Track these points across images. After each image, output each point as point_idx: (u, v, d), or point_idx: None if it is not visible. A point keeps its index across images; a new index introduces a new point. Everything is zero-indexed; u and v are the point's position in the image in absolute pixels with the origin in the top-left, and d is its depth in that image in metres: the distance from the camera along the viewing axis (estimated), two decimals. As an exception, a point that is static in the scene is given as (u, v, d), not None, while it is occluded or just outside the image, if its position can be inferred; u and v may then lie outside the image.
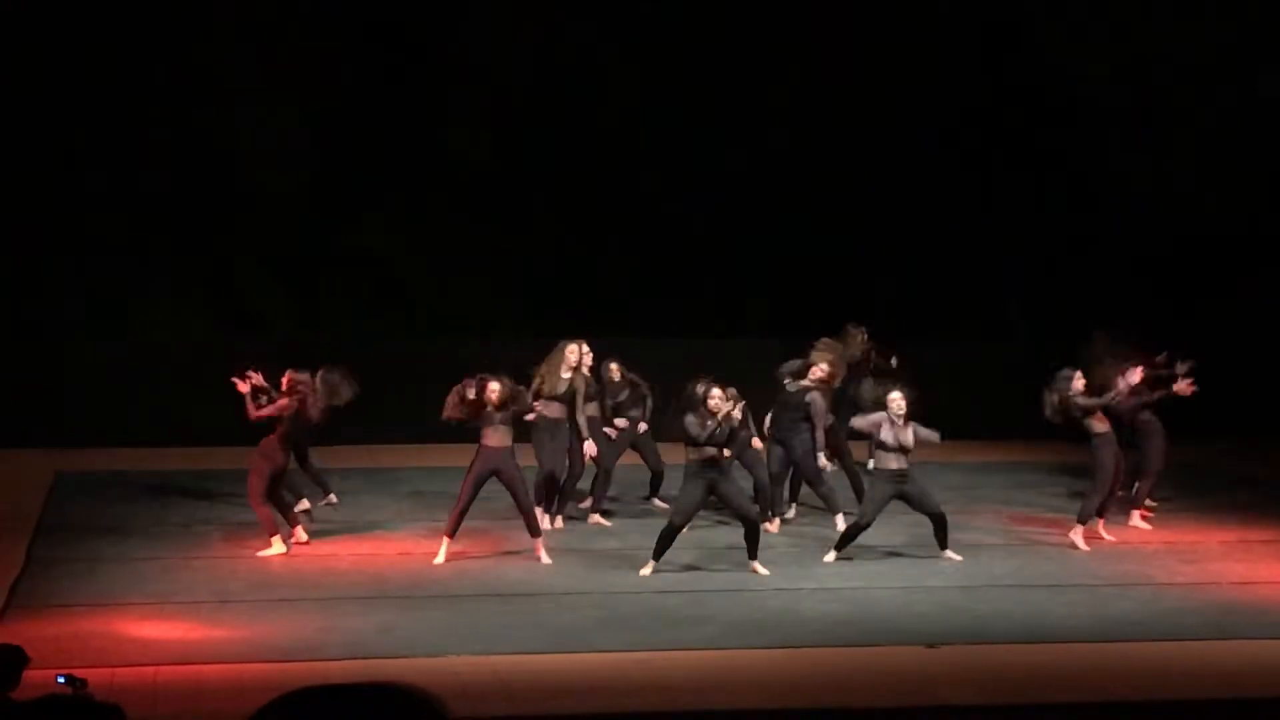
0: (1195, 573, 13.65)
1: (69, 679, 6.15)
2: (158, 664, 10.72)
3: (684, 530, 13.41)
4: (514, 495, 13.59)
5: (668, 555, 13.41)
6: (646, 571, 13.27)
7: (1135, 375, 14.92)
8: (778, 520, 14.95)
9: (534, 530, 13.68)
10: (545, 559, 13.61)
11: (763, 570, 13.31)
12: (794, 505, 15.51)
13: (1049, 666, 11.07)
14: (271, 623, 11.80)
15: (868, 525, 13.62)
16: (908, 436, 13.51)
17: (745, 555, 13.46)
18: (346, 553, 13.96)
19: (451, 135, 20.07)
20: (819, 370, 14.75)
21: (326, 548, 14.13)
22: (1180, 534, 14.97)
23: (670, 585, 12.99)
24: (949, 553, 13.85)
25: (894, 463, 13.57)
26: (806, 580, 13.20)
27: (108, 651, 10.89)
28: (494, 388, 13.44)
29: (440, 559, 13.60)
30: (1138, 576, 13.50)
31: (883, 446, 13.67)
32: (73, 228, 19.13)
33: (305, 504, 15.14)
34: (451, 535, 13.62)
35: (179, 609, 12.15)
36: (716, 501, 13.72)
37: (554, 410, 14.57)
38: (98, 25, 19.21)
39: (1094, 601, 12.69)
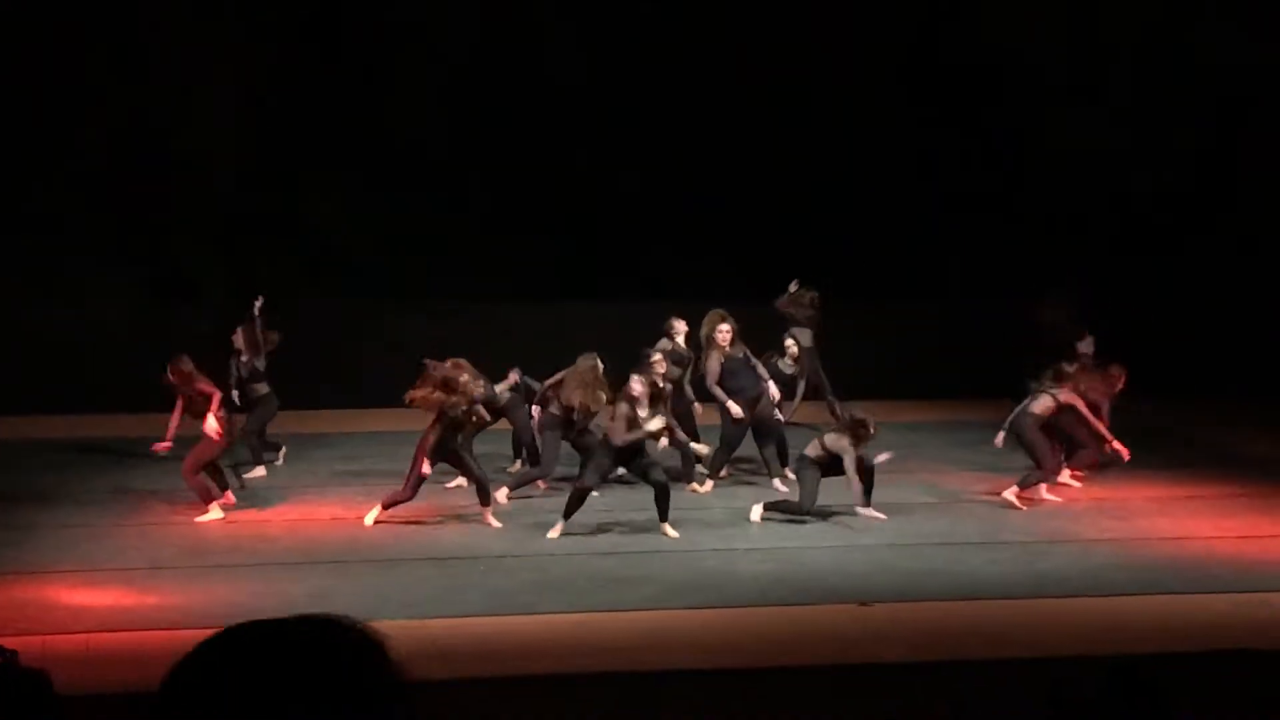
0: (1124, 529, 13.80)
1: (-2, 650, 6.10)
2: (90, 631, 10.67)
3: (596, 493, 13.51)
4: (463, 466, 13.60)
5: (605, 519, 13.46)
6: (554, 534, 13.30)
7: (1088, 345, 15.25)
8: (777, 480, 14.91)
9: (485, 499, 13.68)
10: (494, 523, 13.60)
11: (673, 533, 13.33)
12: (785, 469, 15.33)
13: (980, 623, 11.19)
14: (204, 589, 11.76)
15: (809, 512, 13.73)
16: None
17: (679, 517, 13.54)
18: (279, 518, 13.91)
19: (389, 101, 19.94)
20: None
21: (259, 514, 14.07)
22: (1109, 491, 15.13)
23: (606, 548, 13.03)
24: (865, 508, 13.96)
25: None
26: (741, 541, 13.28)
27: (39, 620, 10.82)
28: (465, 380, 13.40)
29: (370, 520, 13.58)
30: (1067, 533, 13.64)
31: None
32: (6, 197, 18.89)
33: (262, 471, 15.31)
34: (390, 506, 13.58)
35: (111, 576, 12.09)
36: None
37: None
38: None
39: (1024, 558, 12.82)
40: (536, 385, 14.84)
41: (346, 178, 19.54)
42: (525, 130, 19.99)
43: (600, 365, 14.21)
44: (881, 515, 13.74)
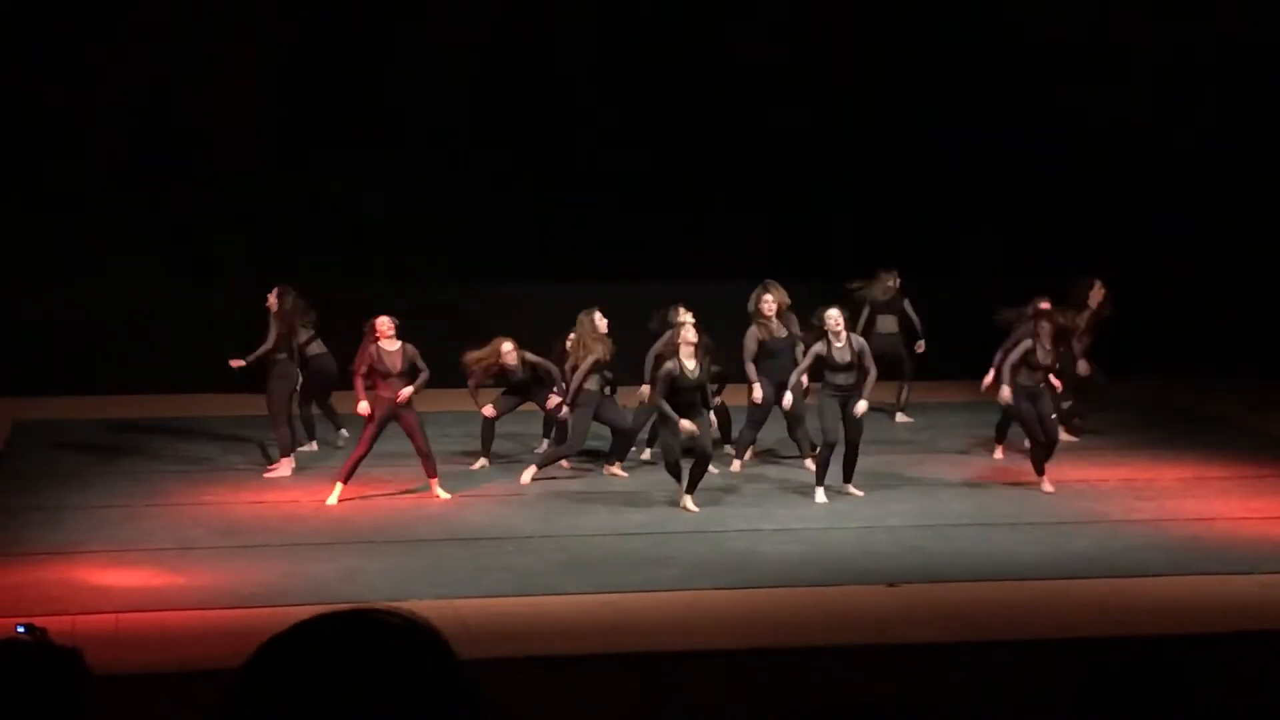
0: (1152, 509, 13.76)
1: (28, 628, 6.13)
2: (119, 611, 10.72)
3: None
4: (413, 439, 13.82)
5: (631, 499, 13.49)
6: (526, 478, 14.00)
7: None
8: (809, 459, 14.86)
9: (431, 471, 13.88)
10: (443, 494, 13.77)
11: (693, 507, 13.38)
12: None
13: (1008, 604, 11.17)
14: (234, 569, 11.80)
15: (834, 443, 13.69)
16: (846, 354, 13.66)
17: (706, 499, 13.57)
18: (308, 499, 13.94)
19: (411, 79, 19.93)
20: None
21: (288, 493, 14.11)
22: (1137, 471, 15.09)
23: (632, 528, 13.04)
24: (851, 487, 13.91)
25: (840, 379, 13.69)
26: (767, 521, 13.27)
27: (69, 599, 10.88)
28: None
29: (333, 500, 13.68)
30: (1095, 514, 13.60)
31: (828, 365, 13.77)
32: (28, 177, 18.94)
33: (314, 445, 15.49)
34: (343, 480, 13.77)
35: (141, 556, 12.14)
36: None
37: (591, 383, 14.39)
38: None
39: (1052, 539, 12.79)
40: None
41: (369, 155, 19.53)
42: (547, 107, 19.96)
43: (599, 315, 14.38)
44: (859, 492, 13.83)
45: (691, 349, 13.37)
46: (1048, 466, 14.23)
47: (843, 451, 13.84)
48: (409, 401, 13.65)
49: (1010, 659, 9.88)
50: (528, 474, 14.35)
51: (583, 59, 20.22)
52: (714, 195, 20.22)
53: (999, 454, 15.46)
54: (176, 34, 19.23)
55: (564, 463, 14.78)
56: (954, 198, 20.13)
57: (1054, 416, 14.43)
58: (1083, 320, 15.84)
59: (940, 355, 17.58)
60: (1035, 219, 19.92)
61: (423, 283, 18.81)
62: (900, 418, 17.20)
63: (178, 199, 19.36)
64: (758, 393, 14.58)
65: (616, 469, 14.76)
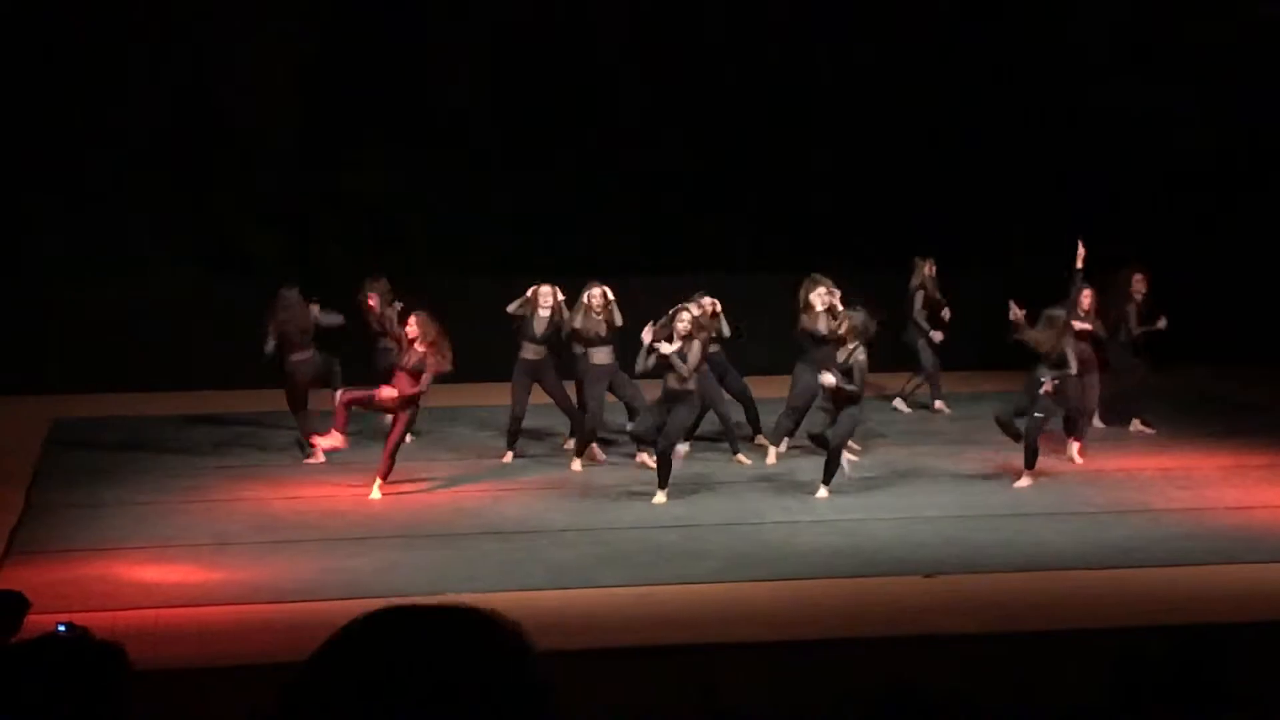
0: (1192, 498, 13.68)
1: (69, 627, 6.16)
2: (159, 607, 10.77)
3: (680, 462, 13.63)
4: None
5: (667, 492, 13.50)
6: (577, 466, 14.36)
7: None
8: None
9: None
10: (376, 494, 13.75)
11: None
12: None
13: (1047, 594, 11.13)
14: (271, 564, 11.84)
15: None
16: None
17: (741, 489, 13.58)
18: (345, 494, 13.97)
19: (442, 75, 19.94)
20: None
21: (325, 489, 14.14)
22: (1176, 460, 15.00)
23: (668, 520, 13.03)
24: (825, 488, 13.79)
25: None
26: (804, 513, 13.24)
27: (108, 595, 10.93)
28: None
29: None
30: (1134, 503, 13.53)
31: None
32: (63, 172, 19.03)
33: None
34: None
35: (179, 552, 12.19)
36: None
37: (602, 356, 14.51)
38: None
39: (1091, 529, 12.74)
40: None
41: (399, 152, 19.55)
42: (577, 104, 19.95)
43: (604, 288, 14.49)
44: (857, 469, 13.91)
45: (681, 335, 13.37)
46: (1085, 449, 14.23)
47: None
48: (409, 399, 13.63)
49: (1049, 649, 9.84)
50: (576, 464, 14.58)
51: (613, 56, 20.19)
52: (745, 193, 20.17)
53: (1077, 453, 14.85)
54: (210, 31, 19.28)
55: (597, 453, 14.82)
56: (989, 190, 20.04)
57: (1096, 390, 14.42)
58: (1131, 310, 15.74)
59: (976, 346, 17.51)
60: (1073, 211, 19.82)
61: (451, 278, 18.82)
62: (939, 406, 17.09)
63: (213, 196, 19.43)
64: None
65: (646, 458, 14.72)
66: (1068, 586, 11.30)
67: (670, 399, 13.40)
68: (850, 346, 13.47)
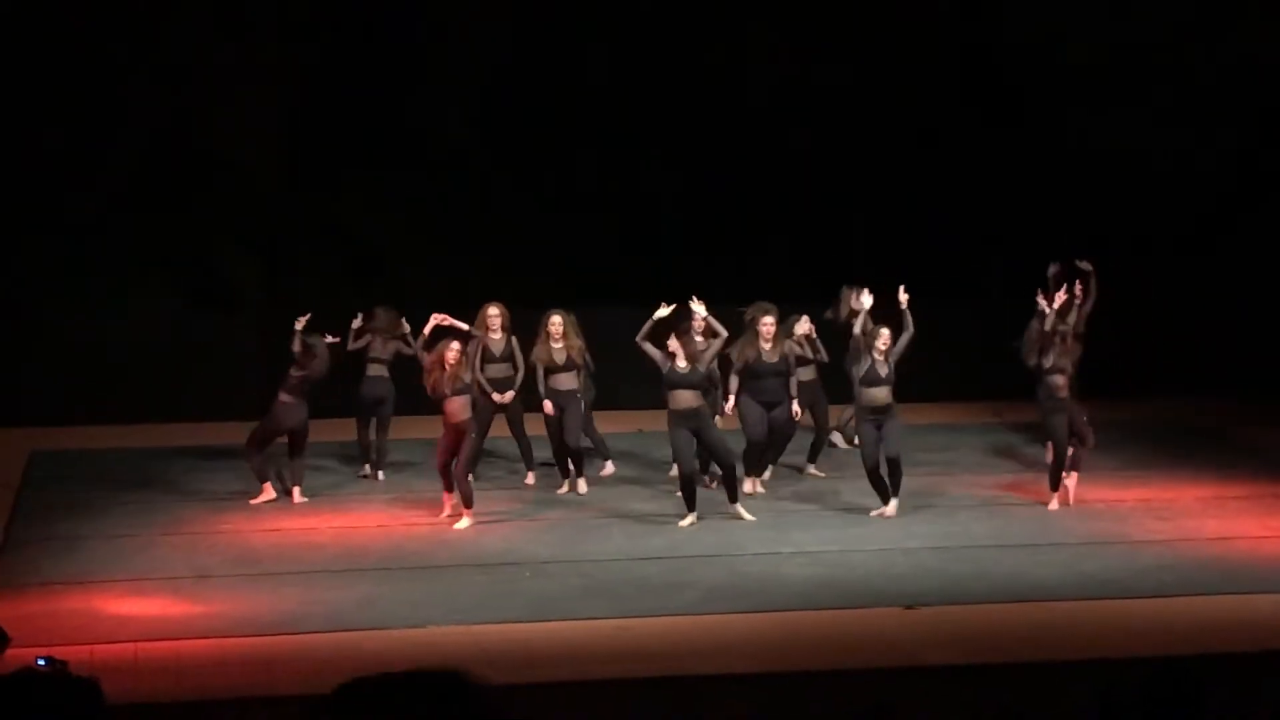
0: (1171, 530, 13.71)
1: (49, 661, 6.15)
2: (138, 640, 10.73)
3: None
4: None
5: (649, 523, 13.51)
6: (582, 488, 14.60)
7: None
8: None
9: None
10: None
11: (748, 516, 13.72)
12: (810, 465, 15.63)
13: (1027, 626, 11.14)
14: (251, 597, 11.80)
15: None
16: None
17: (722, 521, 13.59)
18: (325, 525, 13.95)
19: (426, 105, 19.97)
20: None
21: (305, 521, 14.11)
22: (1156, 491, 15.04)
23: (649, 552, 13.02)
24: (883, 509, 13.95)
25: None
26: (785, 544, 13.24)
27: (87, 629, 10.89)
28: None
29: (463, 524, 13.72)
30: (1114, 535, 13.56)
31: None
32: (41, 201, 18.99)
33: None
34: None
35: (158, 585, 12.15)
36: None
37: (564, 382, 14.72)
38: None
39: (1071, 560, 12.75)
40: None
41: (386, 180, 19.56)
42: (564, 130, 20.00)
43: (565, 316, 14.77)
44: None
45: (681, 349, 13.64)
46: (1075, 481, 14.24)
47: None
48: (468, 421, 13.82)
49: (1029, 681, 9.85)
50: (580, 484, 14.79)
51: (600, 81, 20.24)
52: (734, 219, 20.21)
53: (1071, 484, 14.51)
54: (192, 59, 19.27)
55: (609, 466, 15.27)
56: (970, 221, 20.11)
57: (1084, 419, 14.39)
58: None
59: (956, 377, 17.55)
60: (1050, 243, 19.89)
61: (438, 306, 18.79)
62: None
63: (194, 227, 19.40)
64: (728, 407, 14.62)
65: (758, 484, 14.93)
66: (1048, 618, 11.32)
67: (685, 419, 13.50)
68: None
